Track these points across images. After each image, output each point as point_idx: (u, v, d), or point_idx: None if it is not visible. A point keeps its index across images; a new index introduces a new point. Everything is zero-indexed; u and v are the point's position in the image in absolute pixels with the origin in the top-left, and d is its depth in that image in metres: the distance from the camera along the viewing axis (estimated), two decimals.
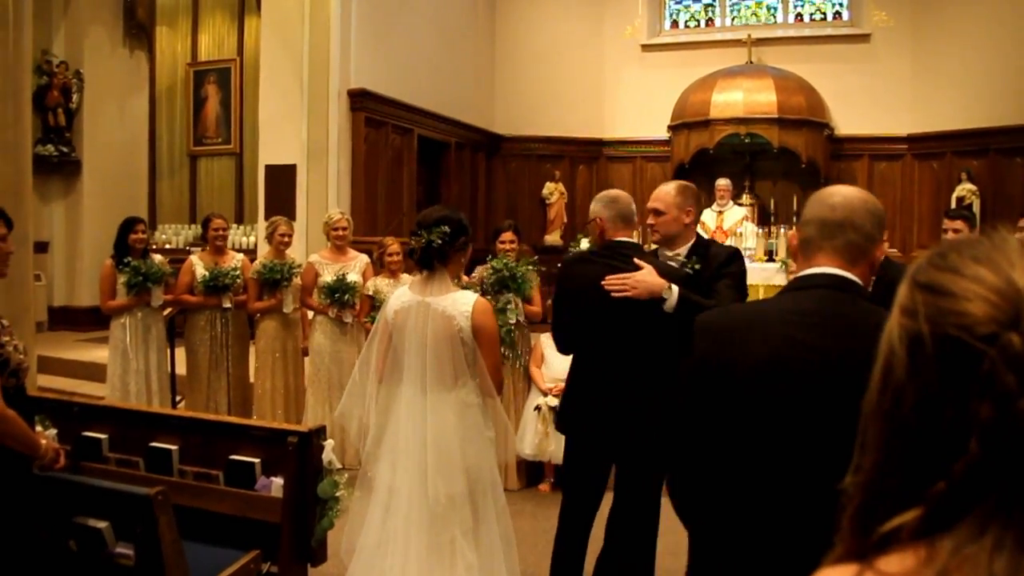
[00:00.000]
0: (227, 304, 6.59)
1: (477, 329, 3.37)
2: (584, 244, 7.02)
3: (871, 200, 1.93)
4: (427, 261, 3.45)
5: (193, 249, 9.19)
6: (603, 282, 3.47)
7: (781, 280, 7.58)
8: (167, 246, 11.26)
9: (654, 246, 3.93)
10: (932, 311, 0.80)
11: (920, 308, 0.81)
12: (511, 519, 3.62)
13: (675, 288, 3.45)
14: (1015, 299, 0.77)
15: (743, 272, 3.82)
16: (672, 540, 4.47)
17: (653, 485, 3.65)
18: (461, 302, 3.39)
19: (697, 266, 3.73)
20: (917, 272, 0.85)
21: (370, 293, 6.43)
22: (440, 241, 3.41)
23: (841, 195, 1.92)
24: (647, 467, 3.62)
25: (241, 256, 6.90)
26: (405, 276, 6.45)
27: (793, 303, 1.87)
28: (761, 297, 8.17)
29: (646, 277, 3.43)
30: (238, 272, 6.67)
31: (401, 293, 3.59)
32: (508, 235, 6.31)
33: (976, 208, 10.55)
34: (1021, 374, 0.74)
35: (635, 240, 3.97)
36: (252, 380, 6.85)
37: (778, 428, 1.74)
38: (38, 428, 3.34)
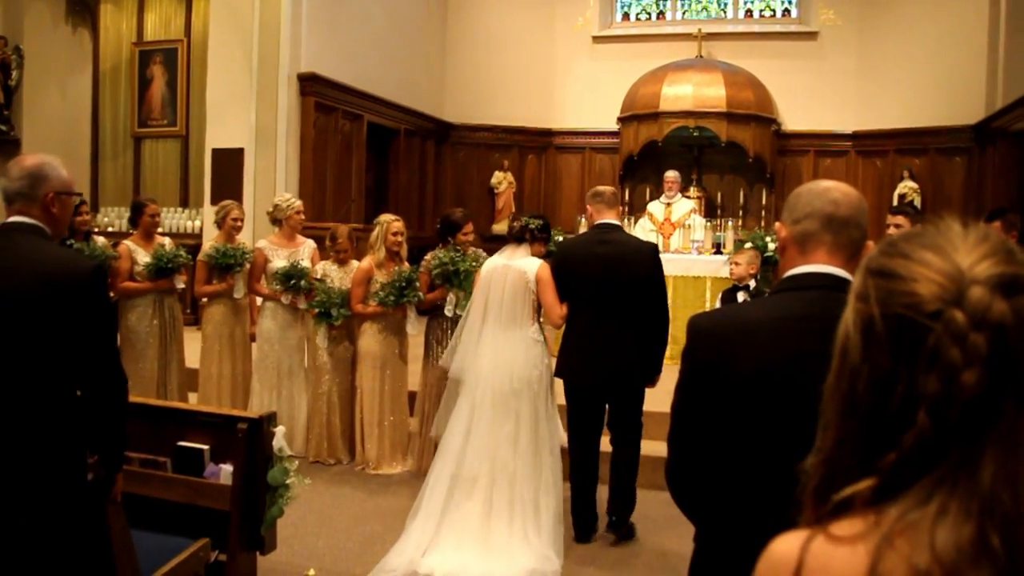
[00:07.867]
0: (180, 285, 6.52)
1: (539, 279, 4.83)
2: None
3: (862, 197, 1.93)
4: (521, 236, 5.02)
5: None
6: None
7: (726, 272, 7.68)
8: (110, 229, 11.03)
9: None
10: (883, 294, 0.86)
11: (872, 292, 0.87)
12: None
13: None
14: (958, 279, 0.82)
15: None
16: (659, 540, 4.55)
17: (638, 421, 4.94)
18: (532, 263, 4.92)
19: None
20: (870, 261, 0.91)
21: (318, 277, 6.36)
22: (534, 227, 5.06)
23: (840, 191, 1.89)
24: (634, 405, 4.90)
25: (168, 240, 6.77)
26: (354, 262, 6.41)
27: (788, 307, 1.84)
28: (708, 289, 8.29)
29: None
30: (183, 252, 6.56)
31: (492, 260, 5.10)
32: (470, 227, 6.24)
33: (917, 205, 10.80)
34: (965, 348, 0.80)
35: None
36: (188, 364, 6.74)
37: (775, 435, 1.73)
38: None
